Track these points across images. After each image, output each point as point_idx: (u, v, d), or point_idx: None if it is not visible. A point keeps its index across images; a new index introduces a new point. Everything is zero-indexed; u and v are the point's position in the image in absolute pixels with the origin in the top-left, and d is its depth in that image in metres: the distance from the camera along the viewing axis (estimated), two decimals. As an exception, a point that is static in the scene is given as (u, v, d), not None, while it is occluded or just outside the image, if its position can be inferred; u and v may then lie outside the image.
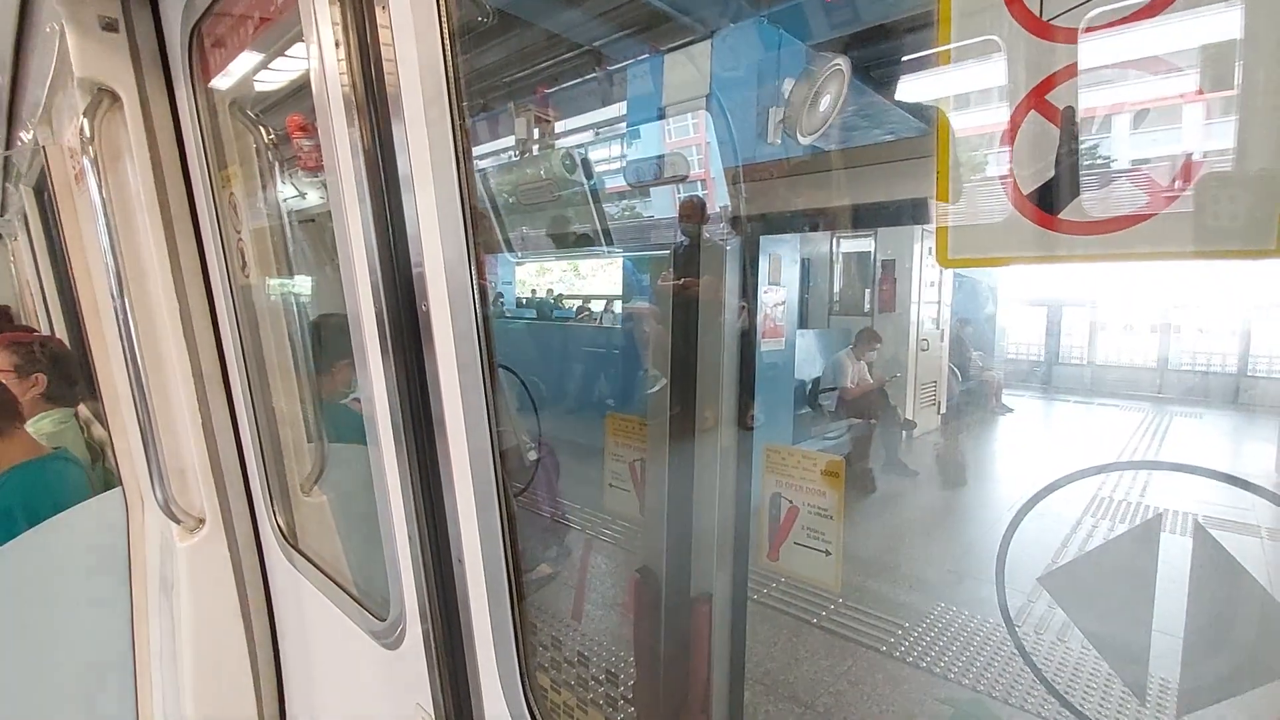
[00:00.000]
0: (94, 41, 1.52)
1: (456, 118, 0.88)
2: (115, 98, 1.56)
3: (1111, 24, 0.45)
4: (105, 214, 1.55)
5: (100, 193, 1.54)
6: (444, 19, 0.86)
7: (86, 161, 1.53)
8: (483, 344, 0.95)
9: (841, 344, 2.45)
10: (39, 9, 1.76)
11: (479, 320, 0.94)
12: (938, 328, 2.28)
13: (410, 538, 1.14)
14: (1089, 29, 0.46)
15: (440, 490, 1.09)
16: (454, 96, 0.88)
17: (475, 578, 1.07)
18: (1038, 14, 0.46)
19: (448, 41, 0.87)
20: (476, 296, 0.94)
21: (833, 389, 2.38)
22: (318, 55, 1.01)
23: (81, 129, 1.53)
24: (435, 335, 1.00)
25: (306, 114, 1.84)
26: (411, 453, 1.09)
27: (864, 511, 2.61)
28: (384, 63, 0.94)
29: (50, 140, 2.26)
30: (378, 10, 0.92)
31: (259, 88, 1.71)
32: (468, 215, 0.91)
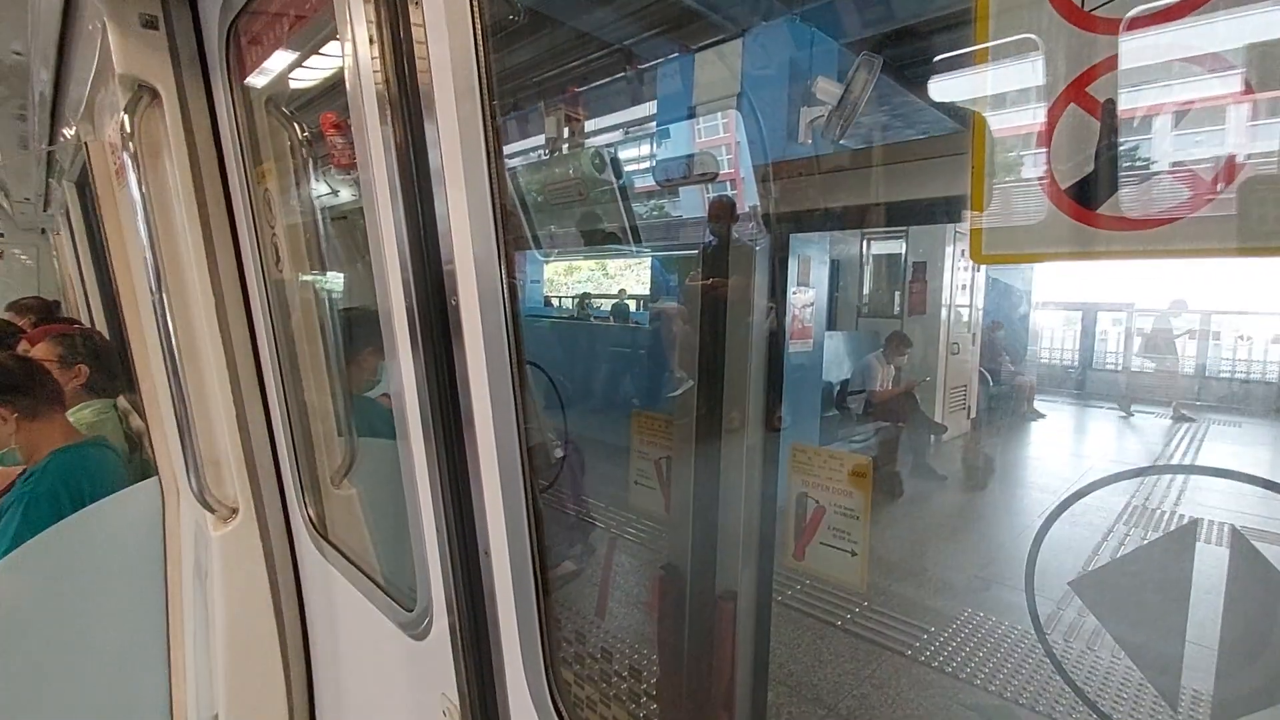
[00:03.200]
0: (134, 39, 1.55)
1: (488, 115, 0.89)
2: (155, 94, 1.59)
3: (1155, 18, 0.44)
4: (144, 208, 1.58)
5: (140, 188, 1.57)
6: (476, 16, 0.87)
7: (126, 157, 1.57)
8: (511, 340, 0.95)
9: (870, 346, 2.42)
10: (82, 7, 1.81)
11: (508, 317, 0.95)
12: (969, 331, 2.24)
13: (438, 530, 1.15)
14: (1132, 22, 0.44)
15: (468, 484, 1.10)
16: (485, 94, 0.88)
17: (501, 571, 1.08)
18: (1079, 4, 0.45)
19: (479, 39, 0.87)
20: (506, 293, 0.94)
21: (861, 392, 2.36)
22: (352, 53, 1.02)
23: (122, 125, 1.56)
24: (465, 331, 1.01)
25: (340, 111, 1.86)
26: (440, 446, 1.10)
27: (891, 515, 2.57)
28: (416, 60, 0.95)
29: (91, 136, 2.32)
30: (411, 8, 0.93)
31: (294, 85, 1.74)
32: (498, 212, 0.91)
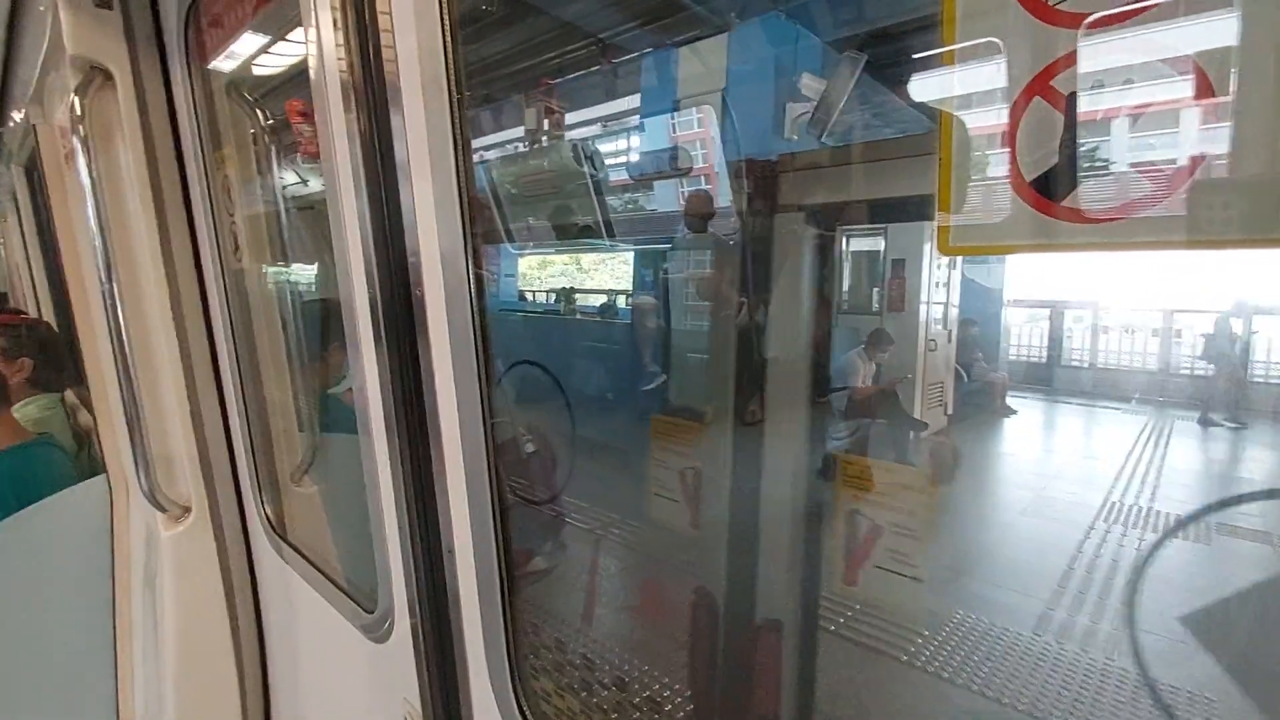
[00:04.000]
0: (87, 18, 1.48)
1: (455, 107, 0.87)
2: (108, 76, 1.53)
3: (1119, 15, 0.45)
4: (95, 195, 1.52)
5: (90, 173, 1.50)
6: (444, 7, 0.85)
7: (76, 141, 1.50)
8: (478, 334, 0.94)
9: (849, 344, 2.42)
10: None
11: (475, 310, 0.93)
12: (945, 328, 2.26)
13: (400, 529, 1.12)
14: (1096, 18, 0.45)
15: (431, 481, 1.08)
16: (453, 85, 0.87)
17: (466, 571, 1.06)
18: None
19: (448, 30, 0.86)
20: (473, 287, 0.93)
21: (843, 388, 2.35)
22: (315, 39, 1.00)
23: (72, 107, 1.49)
24: (430, 325, 0.99)
25: (306, 99, 1.81)
26: (404, 442, 1.07)
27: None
28: (383, 49, 0.93)
29: (41, 120, 2.22)
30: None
31: (257, 71, 1.68)
32: (465, 205, 0.90)
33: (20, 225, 4.23)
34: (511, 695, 1.03)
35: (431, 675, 1.14)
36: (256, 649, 1.82)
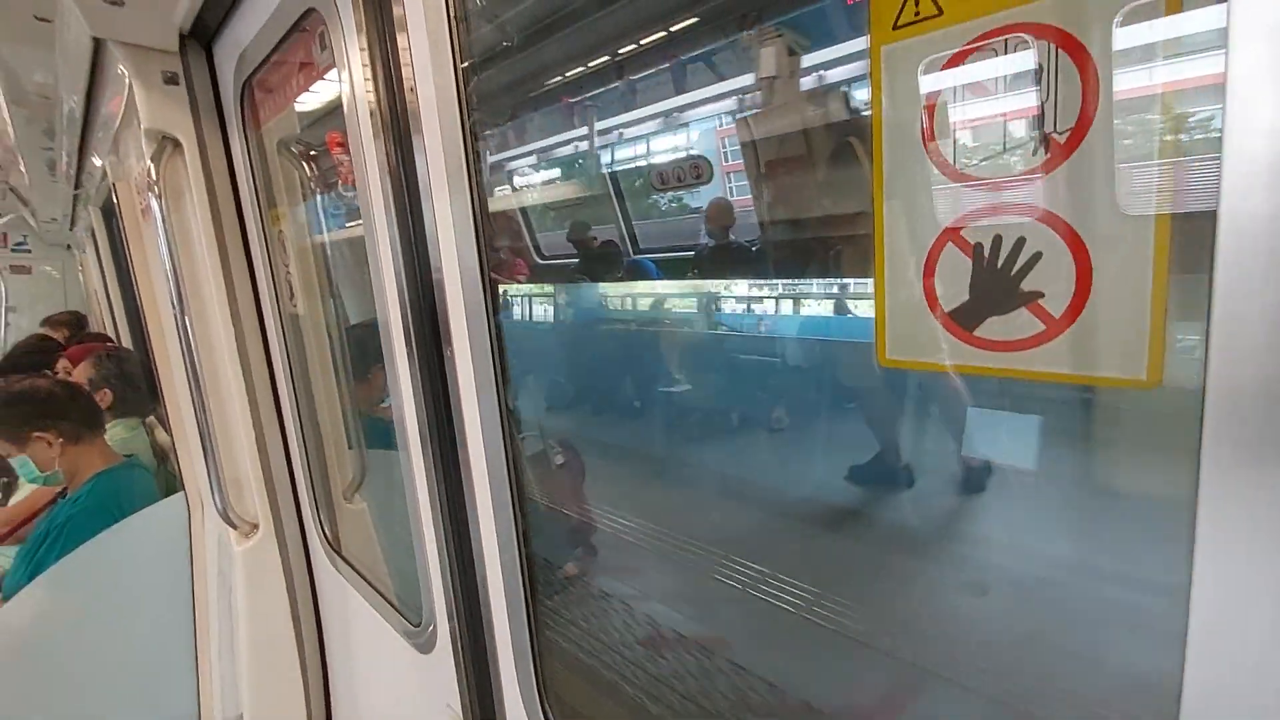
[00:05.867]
0: (159, 94, 1.67)
1: (467, 131, 0.97)
2: (177, 144, 1.71)
3: (1014, 177, 0.50)
4: (169, 247, 1.71)
5: (164, 226, 1.69)
6: (455, 50, 0.96)
7: (152, 200, 1.69)
8: (495, 345, 1.00)
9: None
10: (109, 64, 1.93)
11: (491, 321, 1.00)
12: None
13: (437, 541, 1.20)
14: (994, 178, 0.51)
15: (462, 494, 1.15)
16: (464, 113, 0.97)
17: (495, 581, 1.14)
18: (952, 163, 0.53)
19: (459, 67, 0.96)
20: (489, 299, 1.00)
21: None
22: (349, 80, 1.12)
23: (148, 171, 1.69)
24: (454, 338, 1.07)
25: (342, 133, 1.94)
26: (436, 456, 1.15)
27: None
28: (405, 85, 1.04)
29: (118, 167, 2.45)
30: (399, 38, 1.02)
31: (302, 126, 1.85)
32: (480, 221, 0.98)
33: (98, 257, 4.59)
34: (536, 698, 1.12)
35: (470, 682, 1.23)
36: (318, 655, 2.00)
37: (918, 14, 0.49)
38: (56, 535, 2.14)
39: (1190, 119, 0.46)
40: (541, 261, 3.41)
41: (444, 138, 0.99)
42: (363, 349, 2.15)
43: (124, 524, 2.18)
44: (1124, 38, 0.44)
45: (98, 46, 1.96)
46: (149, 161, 1.69)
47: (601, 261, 3.25)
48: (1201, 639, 0.39)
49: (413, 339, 1.12)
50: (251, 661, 1.89)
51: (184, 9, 1.54)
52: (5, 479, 2.86)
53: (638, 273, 3.27)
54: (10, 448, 2.30)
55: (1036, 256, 0.48)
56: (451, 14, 0.95)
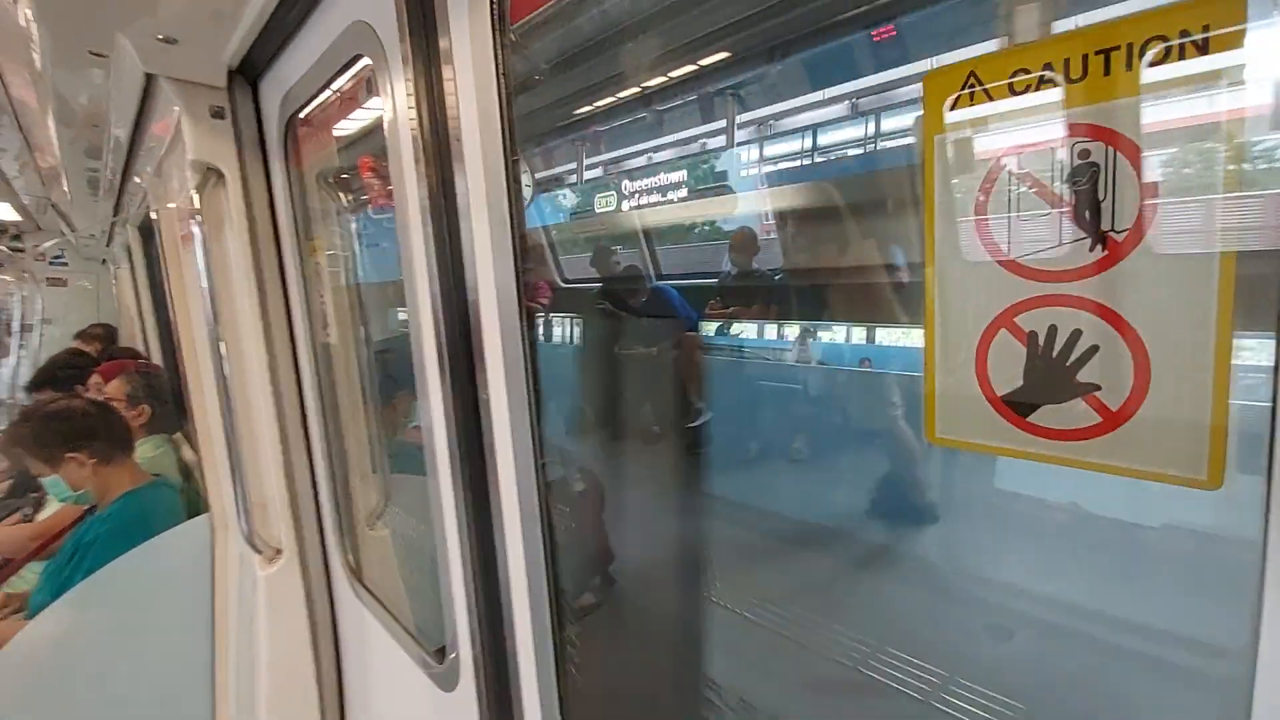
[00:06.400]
0: (205, 127, 1.73)
1: (508, 155, 0.99)
2: (220, 175, 1.77)
3: (1069, 270, 0.50)
4: (208, 273, 1.75)
5: (204, 253, 1.74)
6: (500, 77, 0.97)
7: (195, 227, 1.74)
8: (529, 369, 1.01)
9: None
10: (158, 91, 2.00)
11: (525, 345, 1.00)
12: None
13: (463, 569, 1.19)
14: (1049, 269, 0.51)
15: (490, 520, 1.14)
16: (507, 137, 0.98)
17: (521, 612, 1.12)
18: (1006, 253, 0.53)
19: (503, 94, 0.98)
20: (524, 322, 1.00)
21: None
22: (392, 109, 1.14)
23: (192, 200, 1.74)
24: (488, 360, 1.07)
25: (376, 159, 1.97)
26: (465, 481, 1.14)
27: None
28: (448, 111, 1.05)
29: (159, 189, 2.52)
30: (444, 69, 1.04)
31: (341, 160, 1.89)
32: (517, 242, 0.99)
33: (133, 274, 4.70)
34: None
35: (492, 715, 1.20)
36: (335, 683, 2.00)
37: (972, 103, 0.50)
38: (84, 553, 2.17)
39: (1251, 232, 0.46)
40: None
41: (485, 161, 1.00)
42: (388, 374, 2.17)
43: (149, 544, 2.20)
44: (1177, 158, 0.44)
45: (149, 80, 2.04)
46: (193, 191, 1.74)
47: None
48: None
49: (446, 360, 1.12)
50: (270, 686, 1.89)
51: (234, 48, 1.59)
52: (35, 494, 2.92)
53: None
54: (44, 468, 2.34)
55: (1093, 350, 0.48)
56: (498, 41, 0.96)
